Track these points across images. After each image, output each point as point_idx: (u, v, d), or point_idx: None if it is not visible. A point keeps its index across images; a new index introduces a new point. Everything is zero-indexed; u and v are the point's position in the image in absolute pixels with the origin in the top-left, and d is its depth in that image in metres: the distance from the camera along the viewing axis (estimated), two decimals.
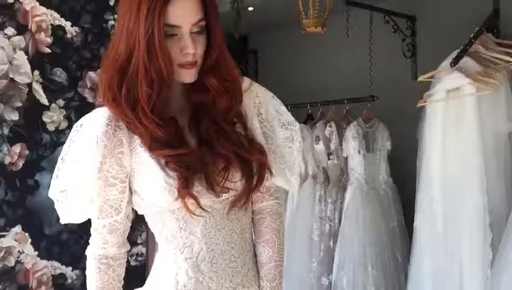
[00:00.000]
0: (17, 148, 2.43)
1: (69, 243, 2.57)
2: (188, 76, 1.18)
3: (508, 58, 2.28)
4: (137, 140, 1.18)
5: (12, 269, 2.40)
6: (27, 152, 2.45)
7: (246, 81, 1.28)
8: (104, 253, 1.22)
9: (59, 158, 1.22)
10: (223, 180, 1.16)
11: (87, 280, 1.25)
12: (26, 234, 2.45)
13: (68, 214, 1.22)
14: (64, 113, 2.55)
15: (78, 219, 1.23)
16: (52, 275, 2.52)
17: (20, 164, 2.44)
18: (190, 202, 1.14)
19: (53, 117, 2.53)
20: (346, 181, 2.76)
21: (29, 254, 2.45)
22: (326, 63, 3.39)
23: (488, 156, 2.17)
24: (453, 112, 2.25)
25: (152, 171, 1.16)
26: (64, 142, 2.21)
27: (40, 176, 2.49)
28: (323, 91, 3.17)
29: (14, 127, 2.42)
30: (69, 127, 2.54)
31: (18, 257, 2.42)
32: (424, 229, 2.30)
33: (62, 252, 2.55)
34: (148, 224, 1.27)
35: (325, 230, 2.74)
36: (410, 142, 2.55)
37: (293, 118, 1.32)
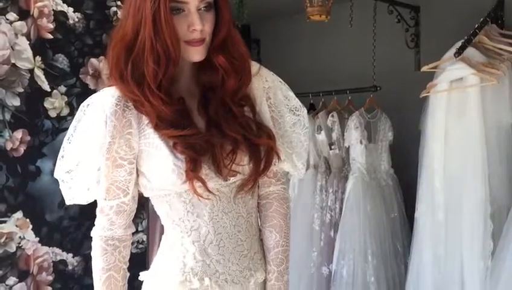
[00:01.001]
0: (18, 134, 2.42)
1: (70, 230, 2.57)
2: (196, 54, 1.17)
3: (511, 49, 2.27)
4: (145, 121, 1.18)
5: (13, 255, 2.40)
6: (28, 138, 2.44)
7: (255, 66, 1.28)
8: (110, 234, 1.22)
9: (65, 138, 1.21)
10: (231, 163, 1.16)
11: (92, 261, 1.24)
12: (27, 220, 2.44)
13: (74, 195, 1.22)
14: (66, 99, 2.54)
15: (84, 200, 1.23)
16: (53, 261, 2.52)
17: (22, 149, 2.43)
18: (198, 185, 1.14)
19: (55, 103, 2.51)
20: (347, 171, 2.76)
21: (30, 240, 2.45)
22: (329, 52, 3.37)
23: (491, 147, 2.17)
24: (456, 102, 2.24)
25: (160, 153, 1.16)
26: (66, 129, 2.21)
27: (41, 162, 2.48)
28: (326, 81, 3.16)
29: (15, 113, 2.41)
30: (71, 114, 2.53)
31: (19, 243, 2.42)
32: (425, 219, 2.30)
33: (63, 238, 2.55)
34: (155, 207, 1.27)
35: (325, 220, 2.74)
36: (412, 133, 2.55)
37: (300, 104, 1.32)
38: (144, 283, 1.28)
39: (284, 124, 1.28)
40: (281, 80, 1.31)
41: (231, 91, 1.21)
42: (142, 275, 1.29)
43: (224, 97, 1.20)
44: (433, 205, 2.28)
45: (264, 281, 1.27)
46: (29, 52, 2.43)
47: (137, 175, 1.22)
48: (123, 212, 1.22)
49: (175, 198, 1.19)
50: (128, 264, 1.25)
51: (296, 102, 1.31)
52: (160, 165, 1.16)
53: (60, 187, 1.22)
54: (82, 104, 1.21)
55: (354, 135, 2.66)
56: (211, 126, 1.19)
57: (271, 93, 1.28)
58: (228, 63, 1.19)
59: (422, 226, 2.32)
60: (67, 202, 1.24)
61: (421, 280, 2.28)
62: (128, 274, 1.25)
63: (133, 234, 1.33)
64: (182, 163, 1.14)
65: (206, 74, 1.21)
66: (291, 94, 1.31)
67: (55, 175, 1.22)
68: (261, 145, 1.20)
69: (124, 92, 1.16)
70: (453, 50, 2.27)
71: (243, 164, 1.18)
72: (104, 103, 1.17)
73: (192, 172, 1.12)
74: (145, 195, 1.25)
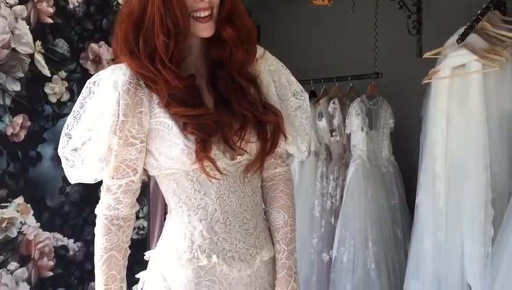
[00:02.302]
0: (19, 119, 2.41)
1: (71, 215, 2.57)
2: (205, 30, 1.17)
3: None
4: (156, 100, 1.18)
5: (14, 240, 2.41)
6: (29, 123, 2.44)
7: (260, 49, 1.29)
8: (116, 214, 1.22)
9: (70, 116, 1.20)
10: (240, 140, 1.17)
11: (95, 239, 1.24)
12: (28, 205, 2.45)
13: (79, 175, 1.20)
14: (66, 85, 2.53)
15: (90, 179, 1.22)
16: (54, 247, 2.52)
17: (22, 135, 2.42)
18: (207, 164, 1.14)
19: (55, 89, 2.51)
20: (348, 158, 2.75)
21: (31, 225, 2.45)
22: (330, 39, 3.36)
23: (492, 134, 2.16)
24: (458, 88, 2.23)
25: (171, 132, 1.16)
26: (66, 114, 2.20)
27: (42, 147, 2.48)
28: (327, 68, 3.15)
29: (15, 98, 2.40)
30: (71, 99, 2.52)
31: (20, 228, 2.42)
32: (426, 206, 2.30)
33: (64, 224, 2.56)
34: (160, 185, 1.27)
35: (326, 207, 2.74)
36: (413, 120, 2.54)
37: (302, 88, 1.34)
38: (150, 262, 1.29)
39: (288, 107, 1.30)
40: (283, 65, 1.33)
41: (239, 64, 1.21)
42: (148, 254, 1.30)
43: (233, 71, 1.21)
44: (434, 191, 2.27)
45: (270, 259, 1.28)
46: (29, 37, 2.42)
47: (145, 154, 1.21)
48: (130, 191, 1.22)
49: (182, 176, 1.19)
50: (130, 242, 1.26)
51: (297, 87, 1.33)
52: (170, 145, 1.16)
53: (63, 166, 1.21)
54: (88, 81, 1.20)
55: (355, 122, 2.66)
56: (220, 104, 1.20)
57: (276, 77, 1.30)
58: (235, 34, 1.19)
59: (422, 212, 2.32)
60: (72, 181, 1.23)
61: (421, 266, 2.29)
62: (129, 252, 1.26)
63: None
64: (192, 143, 1.14)
65: (215, 49, 1.22)
66: (293, 79, 1.33)
67: (59, 153, 1.20)
68: (268, 124, 1.21)
69: (135, 69, 1.16)
70: (455, 36, 2.26)
71: (251, 141, 1.19)
72: (116, 80, 1.16)
73: (202, 152, 1.13)
74: (151, 174, 1.25)
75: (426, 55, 2.39)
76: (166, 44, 1.13)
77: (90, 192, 2.60)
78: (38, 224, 2.47)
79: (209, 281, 1.19)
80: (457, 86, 2.24)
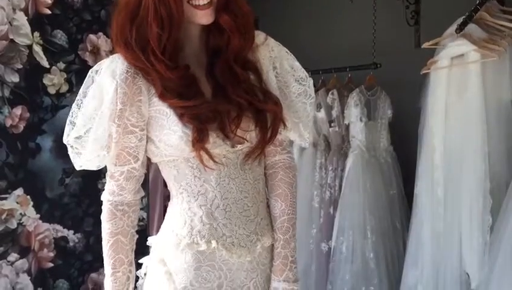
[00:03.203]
0: (18, 110, 2.41)
1: (71, 207, 2.58)
2: (205, 16, 1.17)
3: None
4: (153, 89, 1.19)
5: (14, 231, 2.42)
6: (28, 115, 2.44)
7: (261, 35, 1.30)
8: (120, 199, 1.24)
9: (74, 104, 1.22)
10: (235, 129, 1.17)
11: (102, 225, 1.26)
12: (28, 196, 2.45)
13: (83, 162, 1.22)
14: (65, 76, 2.53)
15: (94, 166, 1.24)
16: (54, 238, 2.53)
17: (21, 126, 2.43)
18: (204, 154, 1.16)
19: (54, 80, 2.50)
20: (347, 149, 2.76)
21: (31, 217, 2.46)
22: (329, 30, 3.35)
23: (491, 123, 2.17)
24: (457, 79, 2.24)
25: (169, 120, 1.17)
26: (65, 106, 2.20)
27: (41, 139, 2.48)
28: (325, 59, 3.15)
29: (14, 89, 2.40)
30: (70, 90, 2.52)
31: (20, 220, 2.43)
32: (424, 195, 2.31)
33: (63, 215, 2.56)
34: (162, 172, 1.28)
35: (325, 197, 2.75)
36: (411, 111, 2.55)
37: (306, 74, 1.33)
38: (152, 248, 1.30)
39: (290, 93, 1.30)
40: (287, 51, 1.33)
41: (236, 51, 1.22)
42: (150, 240, 1.31)
43: (229, 58, 1.21)
44: (432, 181, 2.28)
45: (271, 246, 1.29)
46: (27, 28, 2.41)
47: (146, 142, 1.23)
48: (133, 177, 1.24)
49: (182, 163, 1.21)
50: (136, 227, 1.28)
51: (301, 72, 1.32)
52: (169, 132, 1.17)
53: (69, 153, 1.23)
54: (91, 70, 1.22)
55: (354, 113, 2.66)
56: (218, 92, 1.21)
57: (277, 63, 1.29)
58: (233, 22, 1.20)
59: (421, 202, 2.33)
60: (77, 168, 1.26)
61: (420, 255, 2.30)
62: (136, 236, 1.28)
63: None
64: (190, 131, 1.15)
65: (214, 36, 1.22)
66: (297, 64, 1.32)
67: (64, 141, 1.23)
68: (267, 112, 1.22)
69: (129, 60, 1.17)
70: (454, 26, 2.26)
71: (249, 130, 1.20)
72: (114, 70, 1.18)
73: (198, 143, 1.14)
74: (153, 161, 1.27)
75: (425, 45, 2.40)
76: (159, 35, 1.14)
77: (90, 184, 2.61)
78: (38, 215, 2.48)
79: (208, 266, 1.21)
80: (456, 76, 2.25)
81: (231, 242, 1.21)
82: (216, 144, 1.17)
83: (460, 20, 2.25)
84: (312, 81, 1.33)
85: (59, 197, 2.55)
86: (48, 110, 2.50)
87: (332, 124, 2.80)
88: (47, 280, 2.51)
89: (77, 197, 2.59)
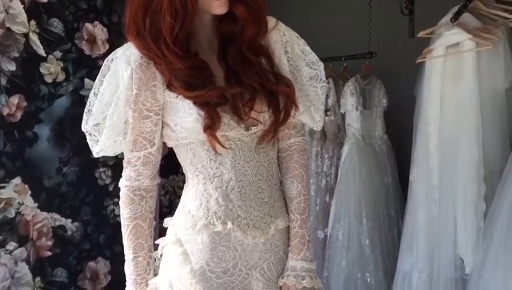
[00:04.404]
0: (15, 99, 2.40)
1: (69, 196, 2.58)
2: (219, 7, 1.19)
3: (506, 14, 2.29)
4: (164, 77, 1.21)
5: (12, 220, 2.42)
6: (25, 103, 2.43)
7: (272, 20, 1.31)
8: (137, 185, 1.26)
9: (91, 93, 1.25)
10: (249, 111, 1.19)
11: (120, 211, 1.28)
12: (26, 185, 2.45)
13: (101, 148, 1.24)
14: (62, 65, 2.52)
15: (112, 152, 1.26)
16: (52, 227, 2.54)
17: (19, 115, 2.42)
18: (217, 136, 1.18)
19: (50, 69, 2.49)
20: (342, 137, 2.79)
21: (29, 206, 2.46)
22: (324, 19, 3.37)
23: (485, 111, 2.20)
24: (452, 67, 2.27)
25: (184, 103, 1.19)
26: (62, 95, 2.20)
27: (38, 128, 2.48)
28: (321, 48, 3.15)
29: (11, 78, 2.39)
30: (67, 79, 2.51)
31: (18, 209, 2.43)
32: (419, 182, 2.34)
33: (62, 204, 2.57)
34: (178, 156, 1.30)
35: (321, 185, 2.78)
36: (405, 100, 2.58)
37: (317, 58, 1.34)
38: (168, 229, 1.32)
39: (302, 77, 1.31)
40: (298, 35, 1.34)
41: (249, 40, 1.24)
42: (166, 221, 1.33)
43: (242, 47, 1.23)
44: (427, 168, 2.31)
45: (285, 229, 1.32)
46: (23, 16, 2.40)
47: (162, 126, 1.25)
48: (149, 163, 1.26)
49: (198, 146, 1.23)
50: (154, 213, 1.29)
51: (312, 56, 1.34)
52: (184, 115, 1.19)
53: (87, 141, 1.25)
54: (106, 59, 1.24)
55: (349, 101, 2.69)
56: (230, 76, 1.23)
57: (289, 47, 1.31)
58: (246, 12, 1.21)
59: (416, 188, 2.36)
60: (95, 155, 1.28)
61: (415, 240, 2.33)
62: (154, 223, 1.30)
63: None
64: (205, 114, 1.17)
65: (227, 24, 1.24)
66: (308, 49, 1.34)
67: (83, 129, 1.25)
68: (279, 94, 1.24)
69: (140, 49, 1.19)
70: (449, 16, 2.29)
71: (262, 112, 1.22)
72: (129, 56, 1.20)
73: (210, 129, 1.16)
74: (169, 145, 1.29)
75: (420, 34, 2.42)
76: (172, 25, 1.16)
77: (87, 173, 2.61)
78: (36, 204, 2.48)
79: (224, 247, 1.23)
80: (451, 65, 2.27)
81: (246, 223, 1.24)
82: (230, 126, 1.20)
83: (455, 9, 2.27)
84: (323, 65, 1.34)
85: (57, 186, 2.55)
86: (45, 99, 2.49)
87: (328, 113, 2.82)
88: (45, 269, 2.51)
89: (75, 186, 2.59)
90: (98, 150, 1.25)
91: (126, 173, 1.27)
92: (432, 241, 2.31)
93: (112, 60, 1.23)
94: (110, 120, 1.20)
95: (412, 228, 2.38)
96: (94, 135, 1.23)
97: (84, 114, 1.25)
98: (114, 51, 1.25)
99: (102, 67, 1.24)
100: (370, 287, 2.56)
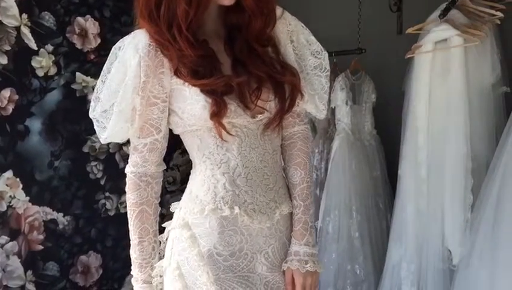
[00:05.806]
0: (6, 92, 2.39)
1: (60, 189, 2.58)
2: None
3: (492, 11, 2.34)
4: (171, 64, 1.23)
5: (4, 214, 2.41)
6: (17, 97, 2.42)
7: (278, 10, 1.33)
8: (143, 171, 1.28)
9: (98, 80, 1.26)
10: (256, 99, 1.21)
11: (126, 196, 1.30)
12: (18, 179, 2.45)
13: (109, 134, 1.26)
14: (53, 58, 2.51)
15: (119, 139, 1.28)
16: (43, 221, 2.53)
17: (10, 108, 2.41)
18: (224, 123, 1.20)
19: (42, 62, 2.49)
20: (332, 132, 2.82)
21: (20, 199, 2.46)
22: (314, 15, 3.39)
23: (472, 106, 2.25)
24: (440, 62, 2.31)
25: (191, 91, 1.21)
26: (53, 89, 2.21)
27: (30, 121, 2.47)
28: None
29: (3, 71, 2.38)
30: (58, 73, 2.51)
31: (10, 202, 2.42)
32: (408, 176, 2.39)
33: (53, 198, 2.56)
34: (185, 142, 1.32)
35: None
36: (394, 95, 2.62)
37: (321, 48, 1.37)
38: (175, 213, 1.34)
39: (306, 67, 1.34)
40: (303, 25, 1.36)
41: (257, 32, 1.26)
42: (173, 206, 1.35)
43: (249, 38, 1.26)
44: (416, 162, 2.36)
45: (289, 215, 1.34)
46: (15, 9, 2.39)
47: (168, 113, 1.26)
48: (156, 149, 1.28)
49: (205, 133, 1.25)
50: (159, 199, 1.31)
51: (317, 46, 1.36)
52: (192, 102, 1.22)
53: (95, 127, 1.27)
54: (114, 47, 1.26)
55: (339, 96, 2.72)
56: (237, 64, 1.25)
57: (294, 37, 1.34)
58: (255, 4, 1.24)
59: (405, 182, 2.40)
60: (102, 141, 1.29)
61: (404, 232, 2.38)
62: (159, 209, 1.32)
63: None
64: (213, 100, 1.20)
65: (234, 15, 1.26)
66: (313, 38, 1.36)
67: (90, 115, 1.27)
68: (285, 83, 1.26)
69: (151, 34, 1.21)
70: (437, 12, 2.33)
71: (269, 100, 1.24)
72: (137, 44, 1.22)
73: (216, 116, 1.19)
74: (175, 132, 1.31)
75: (409, 30, 2.46)
76: (187, 12, 1.18)
77: (79, 167, 2.61)
78: (28, 198, 2.48)
79: (231, 231, 1.26)
80: (439, 60, 2.32)
81: (252, 209, 1.26)
82: (237, 113, 1.22)
83: (443, 6, 2.32)
84: (327, 54, 1.37)
85: (48, 180, 2.55)
86: (37, 93, 2.48)
87: None
88: (37, 263, 2.51)
89: (66, 180, 2.59)
90: (105, 136, 1.27)
91: (132, 159, 1.29)
92: (420, 233, 2.35)
93: (120, 47, 1.25)
94: (119, 107, 1.22)
95: (400, 220, 2.43)
96: (102, 122, 1.25)
97: (92, 101, 1.27)
98: (121, 39, 1.27)
99: (109, 55, 1.25)
100: (360, 278, 2.61)
